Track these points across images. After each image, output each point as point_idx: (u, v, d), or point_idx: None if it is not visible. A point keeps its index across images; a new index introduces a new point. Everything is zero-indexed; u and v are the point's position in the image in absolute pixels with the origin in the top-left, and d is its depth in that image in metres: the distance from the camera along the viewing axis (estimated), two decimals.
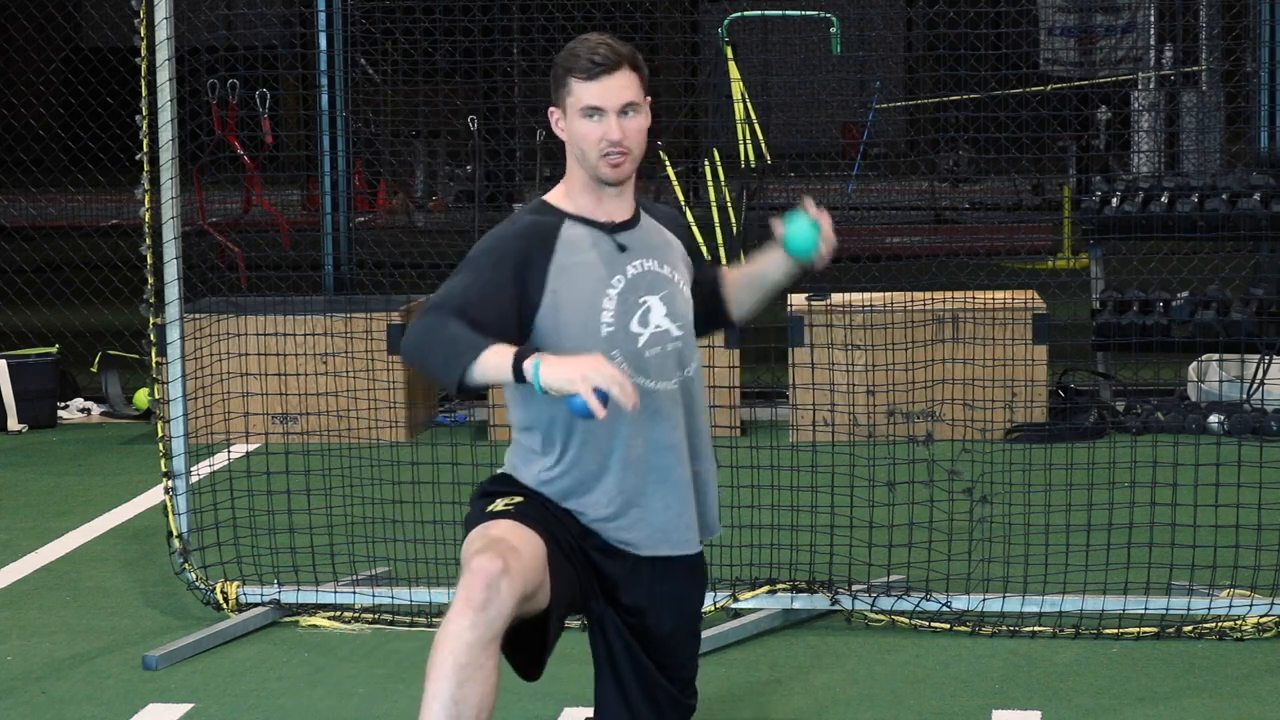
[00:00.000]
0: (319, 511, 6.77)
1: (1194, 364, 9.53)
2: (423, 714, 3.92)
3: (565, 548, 4.17)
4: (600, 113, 4.13)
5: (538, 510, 4.19)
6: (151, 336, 6.45)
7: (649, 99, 4.23)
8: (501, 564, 3.93)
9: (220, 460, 8.10)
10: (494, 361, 3.97)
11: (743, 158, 9.16)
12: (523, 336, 4.13)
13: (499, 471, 4.33)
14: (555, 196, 4.28)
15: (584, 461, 4.21)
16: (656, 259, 4.26)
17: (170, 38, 6.28)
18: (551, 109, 4.22)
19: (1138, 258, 10.92)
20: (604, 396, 3.86)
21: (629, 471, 4.21)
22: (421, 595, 6.30)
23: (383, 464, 6.77)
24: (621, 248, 4.22)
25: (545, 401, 4.06)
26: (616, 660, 4.30)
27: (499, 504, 4.19)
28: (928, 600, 6.14)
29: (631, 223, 4.27)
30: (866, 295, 9.15)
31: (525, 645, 4.16)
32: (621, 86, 4.13)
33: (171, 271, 6.33)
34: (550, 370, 3.89)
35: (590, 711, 4.47)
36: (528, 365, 3.91)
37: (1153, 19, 13.89)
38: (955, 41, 9.37)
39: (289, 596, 6.35)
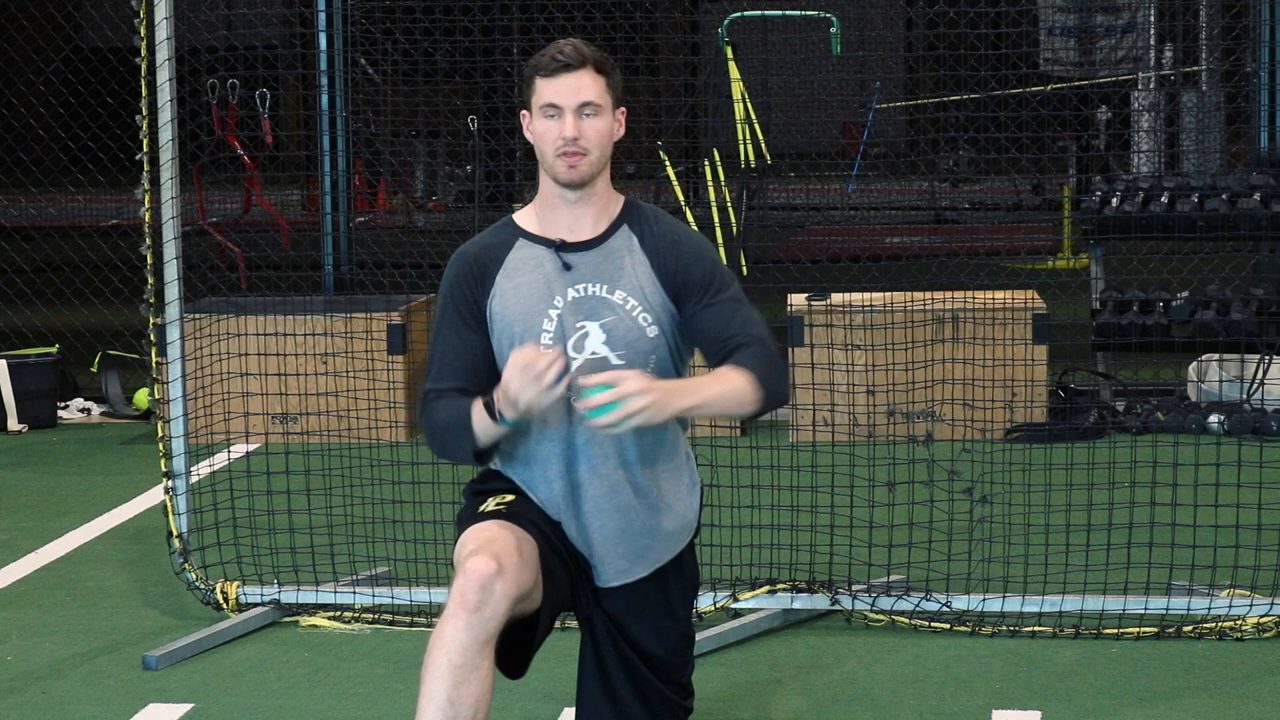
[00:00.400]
0: (319, 511, 6.77)
1: (1194, 364, 9.53)
2: (419, 715, 3.92)
3: (556, 547, 4.17)
4: (558, 110, 4.12)
5: (530, 509, 4.19)
6: (151, 336, 6.45)
7: (620, 109, 4.20)
8: (495, 565, 3.93)
9: (220, 460, 8.10)
10: (481, 426, 4.10)
11: (743, 158, 9.16)
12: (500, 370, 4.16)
13: (490, 467, 4.33)
14: (523, 212, 4.30)
15: (530, 466, 4.24)
16: (607, 284, 4.18)
17: (170, 38, 6.28)
18: (523, 113, 4.22)
19: (1138, 258, 10.94)
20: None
21: (565, 485, 4.21)
22: (421, 595, 6.30)
23: (383, 464, 6.77)
24: (566, 267, 4.19)
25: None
26: (604, 658, 4.29)
27: (490, 503, 4.19)
28: (928, 600, 6.14)
29: (592, 243, 4.21)
30: (866, 295, 9.15)
31: (511, 644, 4.16)
32: (581, 85, 4.12)
33: (171, 271, 6.33)
34: (502, 406, 4.01)
35: None
36: (496, 410, 4.04)
37: (1153, 19, 13.90)
38: (955, 41, 9.37)
39: (289, 596, 6.35)
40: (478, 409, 4.08)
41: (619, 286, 4.18)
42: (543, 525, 4.17)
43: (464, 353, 4.20)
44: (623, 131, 4.22)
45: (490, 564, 3.93)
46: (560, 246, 4.19)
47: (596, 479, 4.19)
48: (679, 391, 4.02)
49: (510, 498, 4.20)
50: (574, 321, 4.16)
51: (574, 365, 4.13)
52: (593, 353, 4.15)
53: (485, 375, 4.19)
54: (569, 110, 4.11)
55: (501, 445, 4.23)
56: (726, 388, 4.08)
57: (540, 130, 4.15)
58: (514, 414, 3.99)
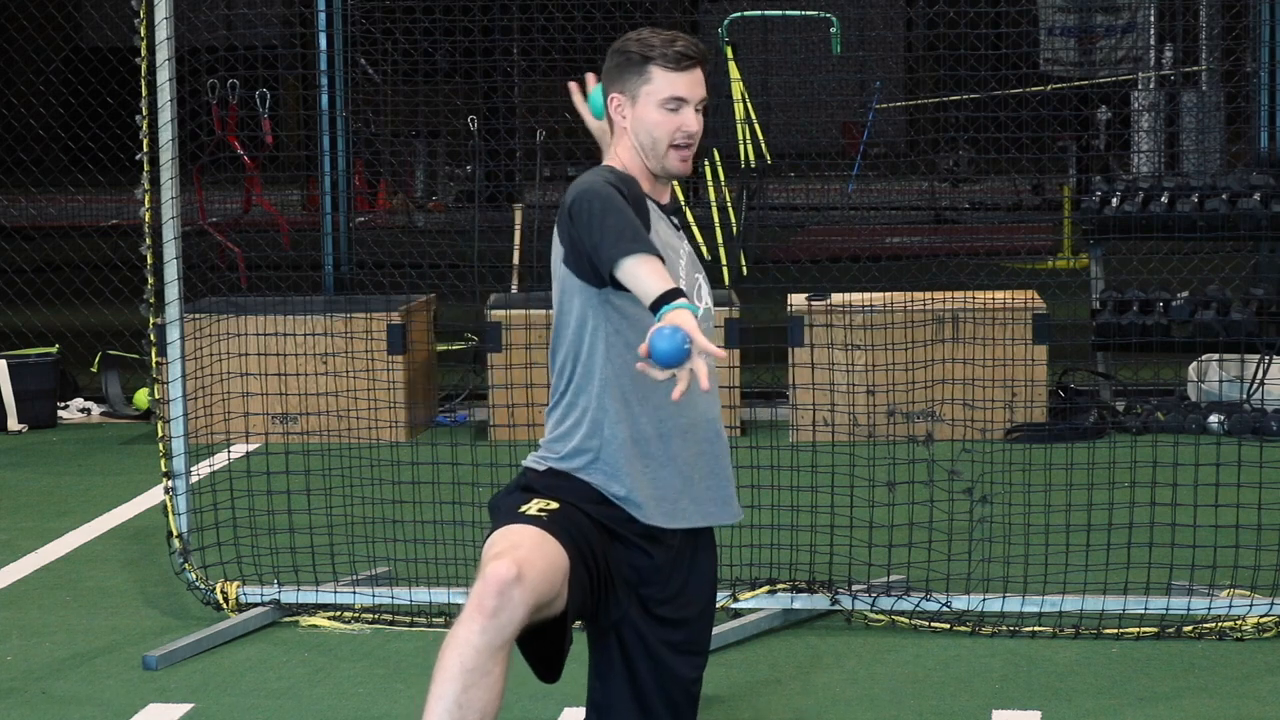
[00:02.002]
0: (319, 511, 6.77)
1: (1194, 364, 9.53)
2: (425, 715, 3.91)
3: (588, 557, 4.13)
4: (683, 104, 4.16)
5: (571, 519, 4.12)
6: (151, 336, 6.45)
7: None
8: (516, 572, 3.90)
9: (220, 460, 8.10)
10: (653, 273, 3.85)
11: (743, 158, 9.16)
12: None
13: (545, 466, 4.23)
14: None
15: (640, 424, 4.17)
16: (690, 247, 4.34)
17: (170, 38, 6.28)
18: (614, 95, 4.20)
19: (1138, 258, 10.94)
20: (681, 359, 3.72)
21: (680, 440, 4.21)
22: (421, 595, 6.30)
23: (383, 464, 6.77)
24: (677, 227, 4.29)
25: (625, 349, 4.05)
26: (634, 665, 4.27)
27: (533, 507, 4.12)
28: (928, 600, 6.15)
29: (676, 209, 4.33)
30: (866, 295, 9.15)
31: (544, 647, 4.14)
32: (700, 81, 4.18)
33: (171, 271, 6.33)
34: (685, 318, 3.74)
35: None
36: (677, 301, 3.77)
37: (1153, 19, 13.90)
38: (955, 41, 9.37)
39: (289, 596, 6.35)
40: (664, 272, 3.87)
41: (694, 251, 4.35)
42: (579, 537, 4.11)
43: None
44: None
45: (511, 570, 3.90)
46: (665, 209, 4.27)
47: (708, 422, 4.27)
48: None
49: (555, 506, 4.14)
50: (693, 273, 4.27)
51: (699, 314, 4.04)
52: (706, 303, 4.26)
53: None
54: (692, 104, 4.17)
55: (592, 412, 4.19)
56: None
57: (656, 120, 4.16)
58: (684, 327, 3.73)
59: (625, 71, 4.18)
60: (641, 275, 3.87)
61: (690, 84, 4.15)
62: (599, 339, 4.15)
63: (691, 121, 4.16)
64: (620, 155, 4.23)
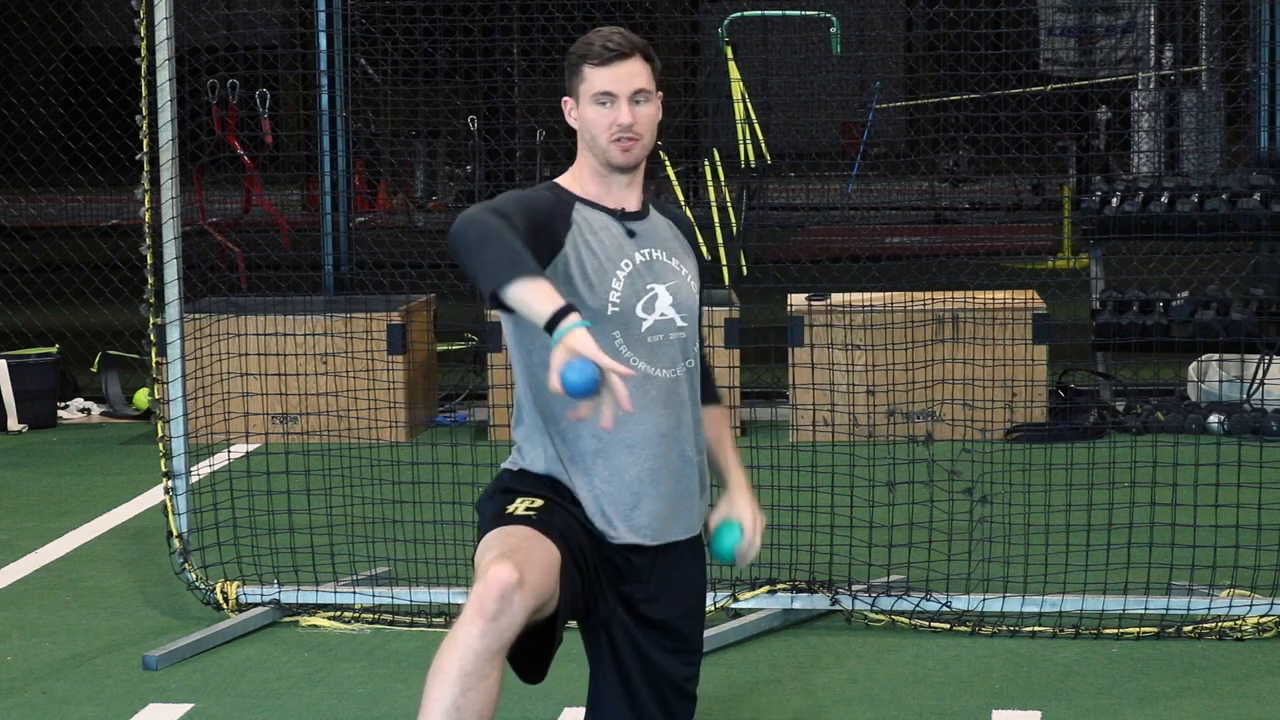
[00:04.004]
0: (319, 511, 6.77)
1: (1194, 364, 9.53)
2: (421, 716, 3.90)
3: (578, 555, 4.14)
4: (612, 98, 4.18)
5: (557, 516, 4.15)
6: (151, 336, 6.45)
7: (660, 93, 4.27)
8: (517, 576, 3.90)
9: (220, 460, 8.10)
10: (537, 296, 3.81)
11: (743, 158, 9.16)
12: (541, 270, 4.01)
13: (518, 468, 4.29)
14: (565, 181, 4.30)
15: (578, 441, 4.20)
16: (665, 251, 4.29)
17: (170, 38, 6.28)
18: (565, 99, 4.27)
19: (1138, 258, 10.94)
20: (594, 389, 3.74)
21: (626, 455, 4.20)
22: (421, 595, 6.30)
23: (383, 464, 6.77)
24: (631, 233, 4.26)
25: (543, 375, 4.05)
26: (623, 661, 4.28)
27: (520, 506, 4.14)
28: (928, 600, 6.15)
29: (640, 214, 4.31)
30: (866, 295, 9.15)
31: (530, 649, 4.14)
32: (633, 73, 4.19)
33: (171, 271, 6.33)
34: (581, 340, 3.74)
35: None
36: (567, 321, 3.75)
37: (1153, 19, 13.90)
38: (955, 41, 9.37)
39: (289, 596, 6.35)
40: (549, 289, 3.83)
41: (674, 254, 4.30)
42: (568, 534, 4.13)
43: (534, 217, 4.08)
44: (660, 115, 4.29)
45: (512, 574, 3.90)
46: (621, 215, 4.26)
47: (660, 437, 4.23)
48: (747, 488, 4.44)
49: (540, 503, 4.16)
50: (644, 283, 4.23)
51: (645, 325, 4.20)
52: (661, 314, 4.22)
53: (532, 247, 4.01)
54: (623, 98, 4.18)
55: (549, 433, 4.22)
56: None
57: (592, 117, 4.20)
58: (581, 352, 3.73)
59: (569, 76, 4.25)
60: (527, 299, 3.82)
61: (619, 77, 4.17)
62: (525, 360, 4.20)
63: (624, 115, 4.17)
64: (581, 158, 4.28)
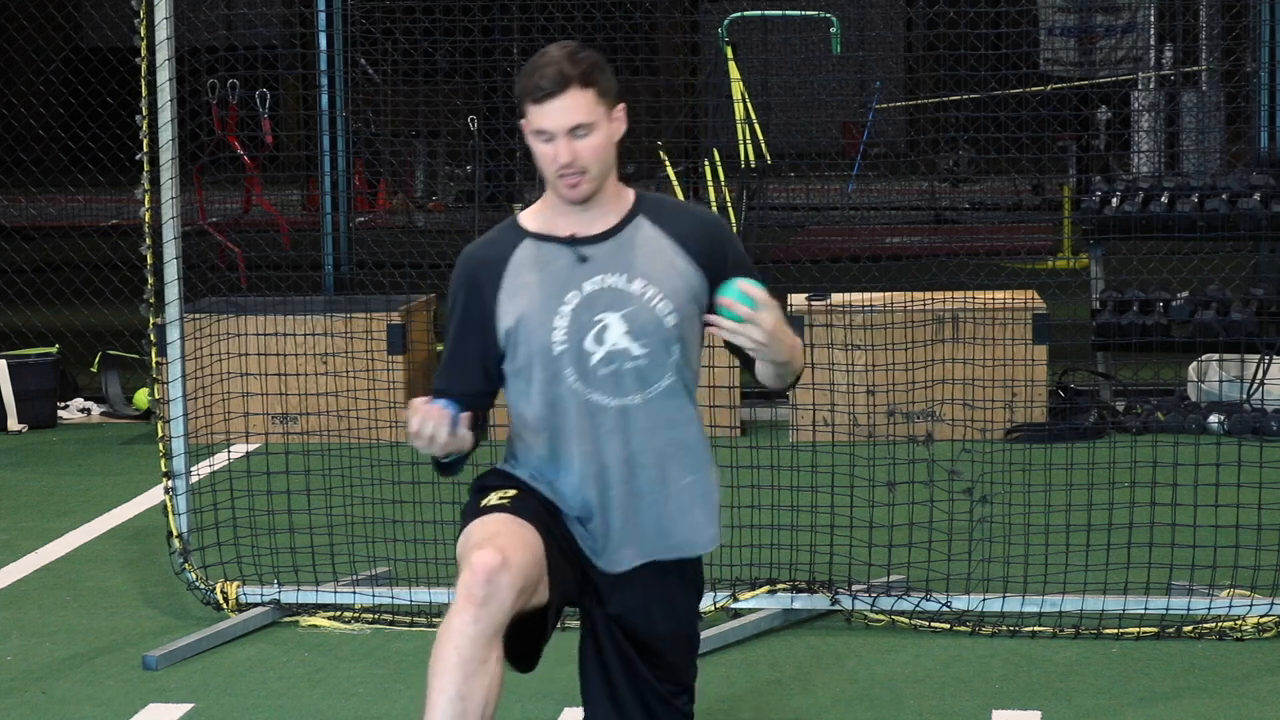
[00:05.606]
0: (319, 511, 6.77)
1: (1194, 364, 9.53)
2: (428, 711, 3.91)
3: (561, 542, 4.17)
4: (549, 135, 4.07)
5: (533, 504, 4.18)
6: (151, 336, 6.45)
7: (618, 107, 4.13)
8: (501, 558, 3.94)
9: (220, 460, 8.10)
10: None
11: (743, 158, 9.17)
12: (500, 380, 4.24)
13: (496, 466, 4.33)
14: (528, 213, 4.25)
15: (547, 470, 4.23)
16: (625, 274, 4.15)
17: (170, 38, 6.28)
18: (523, 121, 4.16)
19: (1138, 258, 10.93)
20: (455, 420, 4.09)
21: (587, 485, 4.19)
22: (421, 595, 6.30)
23: (383, 464, 6.77)
24: (582, 259, 4.16)
25: (519, 401, 4.21)
26: (606, 660, 4.28)
27: (494, 498, 4.18)
28: (928, 600, 6.15)
29: (607, 234, 4.18)
30: (866, 295, 9.15)
31: (522, 638, 4.15)
32: (568, 108, 4.04)
33: (171, 271, 6.33)
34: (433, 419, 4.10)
35: None
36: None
37: (1153, 19, 13.90)
38: (955, 41, 9.37)
39: (289, 596, 6.35)
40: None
41: (637, 275, 4.15)
42: (546, 519, 4.15)
43: (460, 359, 4.23)
44: (624, 127, 4.17)
45: (495, 557, 3.93)
46: (572, 241, 4.17)
47: (617, 465, 4.19)
48: (788, 341, 4.14)
49: (513, 492, 4.19)
50: (592, 315, 4.14)
51: (595, 359, 4.13)
52: (614, 345, 4.14)
53: (482, 380, 4.22)
54: (560, 135, 4.06)
55: (519, 448, 4.25)
56: (800, 352, 4.24)
57: (538, 151, 4.11)
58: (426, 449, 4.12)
59: (517, 104, 4.17)
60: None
61: (553, 114, 4.04)
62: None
63: (562, 153, 4.05)
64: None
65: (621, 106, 4.16)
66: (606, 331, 4.14)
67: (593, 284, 4.15)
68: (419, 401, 4.08)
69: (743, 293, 4.03)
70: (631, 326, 4.14)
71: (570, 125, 4.05)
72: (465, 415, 4.10)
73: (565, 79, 4.05)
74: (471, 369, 4.23)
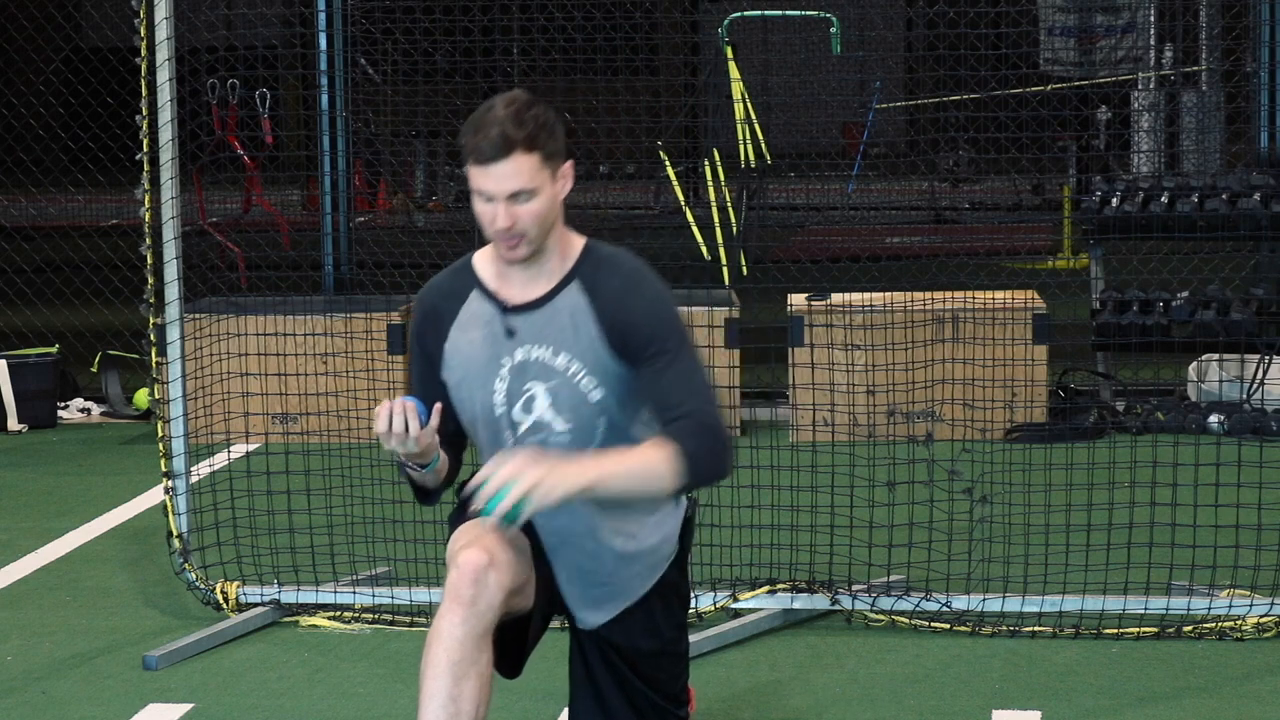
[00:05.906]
0: (319, 511, 6.77)
1: (1194, 364, 9.52)
2: (421, 714, 3.92)
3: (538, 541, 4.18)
4: (490, 197, 3.98)
5: None
6: (151, 336, 6.45)
7: (564, 165, 4.02)
8: (487, 558, 3.94)
9: (220, 460, 8.10)
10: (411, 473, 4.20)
11: (743, 158, 9.17)
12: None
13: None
14: (483, 254, 4.18)
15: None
16: (551, 347, 4.07)
17: (170, 38, 6.28)
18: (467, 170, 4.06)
19: (1138, 258, 10.92)
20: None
21: (559, 547, 4.20)
22: (421, 595, 6.30)
23: (383, 464, 6.77)
24: (510, 332, 4.10)
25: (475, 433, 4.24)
26: (591, 666, 4.27)
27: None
28: (928, 600, 6.14)
29: (538, 303, 4.09)
30: (866, 295, 9.15)
31: (507, 643, 4.16)
32: (509, 174, 3.93)
33: (171, 271, 6.33)
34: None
35: None
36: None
37: (1153, 19, 13.89)
38: (955, 41, 9.37)
39: (289, 596, 6.35)
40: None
41: (562, 349, 4.06)
42: (530, 523, 4.15)
43: (419, 389, 4.22)
44: (569, 186, 4.05)
45: (482, 556, 3.94)
46: (506, 309, 4.10)
47: (552, 530, 4.16)
48: (576, 470, 3.83)
49: None
50: (521, 384, 4.08)
51: (523, 428, 4.08)
52: (539, 416, 4.08)
53: (442, 391, 4.20)
54: (500, 199, 3.96)
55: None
56: (636, 464, 3.91)
57: (477, 209, 4.01)
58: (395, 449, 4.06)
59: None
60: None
61: (494, 179, 3.93)
62: None
63: (500, 217, 3.95)
64: None
65: (569, 164, 4.05)
66: (534, 402, 4.09)
67: (522, 353, 4.09)
68: (384, 403, 4.04)
69: (489, 494, 3.81)
70: (555, 400, 4.07)
71: (511, 191, 3.95)
72: (437, 407, 4.05)
73: (509, 143, 3.92)
74: (431, 387, 4.21)
